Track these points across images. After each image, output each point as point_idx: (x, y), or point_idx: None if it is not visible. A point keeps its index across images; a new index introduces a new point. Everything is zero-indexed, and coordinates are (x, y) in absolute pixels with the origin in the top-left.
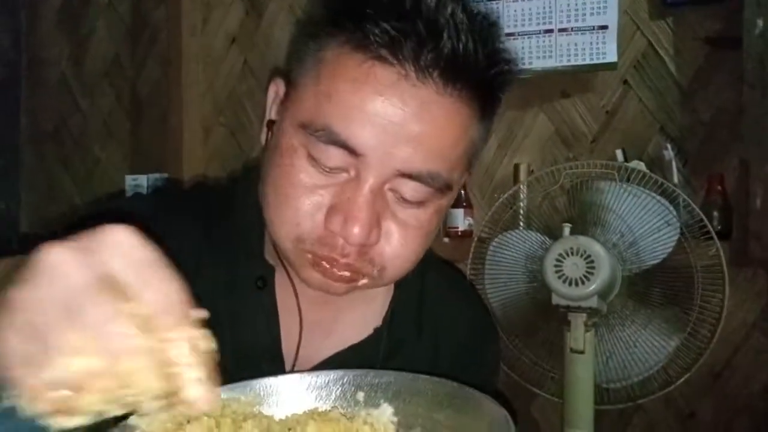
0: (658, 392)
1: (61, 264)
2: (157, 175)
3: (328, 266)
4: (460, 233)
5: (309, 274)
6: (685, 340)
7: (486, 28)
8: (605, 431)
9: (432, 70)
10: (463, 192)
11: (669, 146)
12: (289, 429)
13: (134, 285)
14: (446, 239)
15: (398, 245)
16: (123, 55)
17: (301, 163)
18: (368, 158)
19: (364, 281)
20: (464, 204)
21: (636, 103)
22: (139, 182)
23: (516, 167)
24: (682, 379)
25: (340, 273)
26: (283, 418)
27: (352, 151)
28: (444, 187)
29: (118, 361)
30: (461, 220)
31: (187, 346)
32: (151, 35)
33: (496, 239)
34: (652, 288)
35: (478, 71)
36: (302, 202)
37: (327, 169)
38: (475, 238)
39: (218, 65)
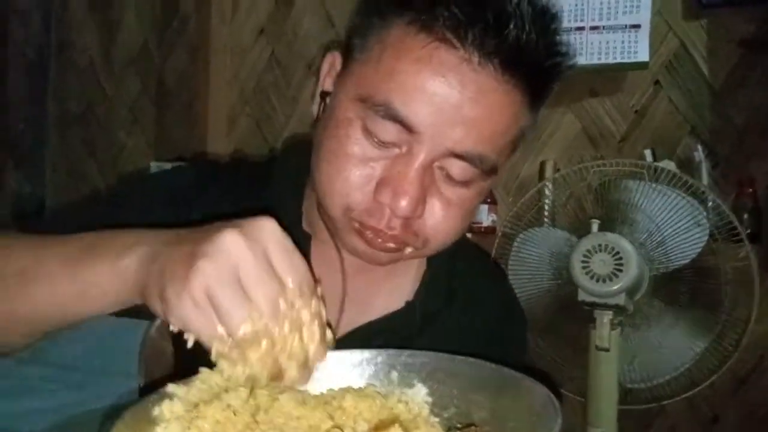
0: (682, 394)
1: (235, 246)
2: (181, 164)
3: (372, 236)
4: (483, 229)
5: (354, 242)
6: (711, 343)
7: (548, 20)
8: (627, 431)
9: (494, 57)
10: None
11: (699, 148)
12: (326, 403)
13: (283, 266)
14: (469, 234)
15: (441, 221)
16: (151, 42)
17: (356, 136)
18: (423, 136)
19: (408, 251)
20: (488, 200)
21: (666, 104)
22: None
23: (542, 165)
24: (707, 383)
25: (385, 244)
26: (318, 393)
27: (408, 128)
28: (490, 170)
29: (277, 328)
30: (485, 216)
31: (314, 314)
32: (180, 23)
33: (520, 235)
34: (680, 289)
35: (537, 62)
36: (354, 173)
37: (381, 143)
38: (499, 234)
39: (245, 55)
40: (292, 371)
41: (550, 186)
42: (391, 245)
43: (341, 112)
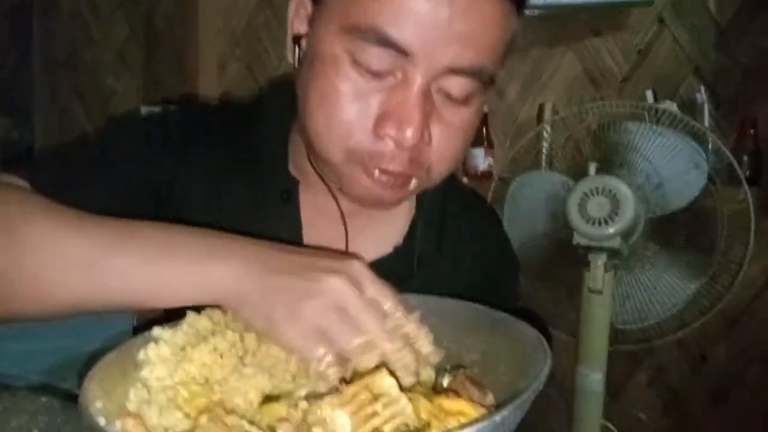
0: (672, 335)
1: (340, 287)
2: (172, 108)
3: (380, 175)
4: (479, 173)
5: (360, 187)
6: (704, 285)
7: None
8: (616, 371)
9: None
10: (484, 131)
11: (702, 88)
12: None
13: (379, 296)
14: (465, 179)
15: (443, 145)
16: None
17: (346, 71)
18: (417, 57)
19: (414, 184)
20: (485, 143)
21: (670, 43)
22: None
23: (540, 107)
24: (698, 323)
25: (392, 181)
26: None
27: (401, 51)
28: (488, 80)
29: (388, 344)
30: (481, 160)
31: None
32: None
33: (517, 179)
34: (676, 231)
35: None
36: (351, 112)
37: (373, 74)
38: (496, 178)
39: None
40: (405, 381)
41: (549, 129)
42: (399, 181)
43: (325, 49)
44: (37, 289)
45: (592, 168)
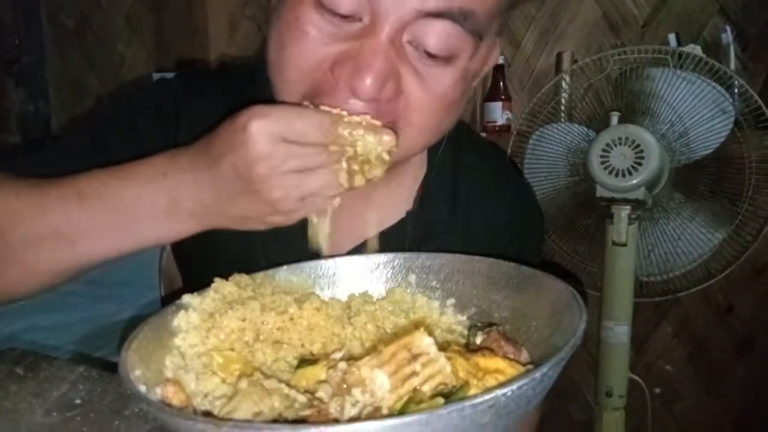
0: (698, 286)
1: (273, 175)
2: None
3: None
4: (497, 128)
5: None
6: (731, 234)
7: None
8: (641, 324)
9: None
10: (501, 84)
11: (728, 29)
12: (349, 308)
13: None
14: (483, 135)
15: (417, 110)
16: None
17: (308, 14)
18: None
19: None
20: (502, 97)
21: None
22: None
23: (558, 56)
24: (725, 273)
25: None
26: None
27: None
28: (474, 33)
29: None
30: (499, 114)
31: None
32: None
33: (536, 133)
34: (701, 180)
35: None
36: (307, 56)
37: (338, 17)
38: (514, 132)
39: None
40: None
41: (568, 79)
42: None
43: None
44: (18, 268)
45: (614, 118)
